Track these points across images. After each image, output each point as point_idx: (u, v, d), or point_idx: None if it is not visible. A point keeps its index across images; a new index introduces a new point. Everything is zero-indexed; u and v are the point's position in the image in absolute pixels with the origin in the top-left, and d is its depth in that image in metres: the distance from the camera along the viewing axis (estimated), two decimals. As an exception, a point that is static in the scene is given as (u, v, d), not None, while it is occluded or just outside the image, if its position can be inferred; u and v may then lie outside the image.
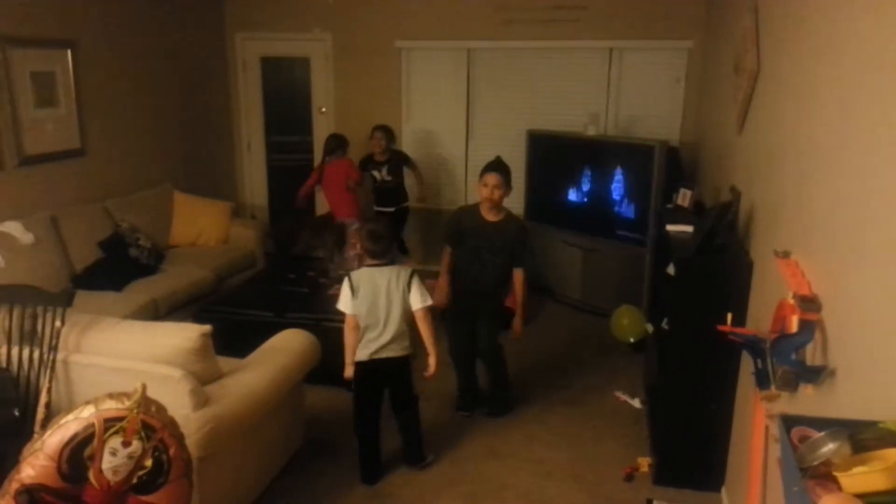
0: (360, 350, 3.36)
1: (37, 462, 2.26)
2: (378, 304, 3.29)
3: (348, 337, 3.36)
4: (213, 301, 4.75)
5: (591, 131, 5.73)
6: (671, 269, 3.44)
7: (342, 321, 3.88)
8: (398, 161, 6.23)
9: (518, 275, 3.92)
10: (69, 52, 4.97)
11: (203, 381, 2.82)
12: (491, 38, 6.31)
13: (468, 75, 6.50)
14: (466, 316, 3.97)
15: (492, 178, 3.78)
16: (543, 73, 6.34)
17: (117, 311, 4.17)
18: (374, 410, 3.46)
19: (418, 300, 3.33)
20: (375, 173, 6.20)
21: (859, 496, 1.15)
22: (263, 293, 4.83)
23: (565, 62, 6.27)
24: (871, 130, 1.87)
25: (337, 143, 5.98)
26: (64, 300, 2.85)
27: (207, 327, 2.87)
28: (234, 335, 3.58)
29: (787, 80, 2.83)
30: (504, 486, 3.42)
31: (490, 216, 3.85)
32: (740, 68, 3.63)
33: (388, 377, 3.44)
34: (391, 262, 3.40)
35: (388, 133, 6.12)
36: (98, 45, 5.26)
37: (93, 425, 2.30)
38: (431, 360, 3.44)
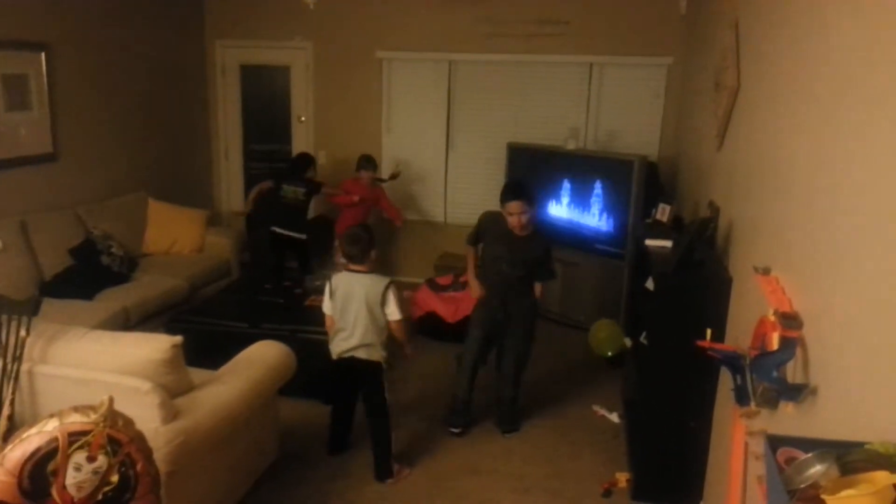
0: (332, 348, 3.50)
1: (-4, 477, 2.17)
2: (349, 308, 3.37)
3: (329, 335, 3.51)
4: (185, 311, 4.66)
5: (571, 145, 5.74)
6: (650, 284, 3.43)
7: (319, 332, 3.86)
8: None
9: (536, 286, 3.93)
10: (43, 55, 4.87)
11: (173, 393, 2.75)
12: (473, 51, 6.31)
13: (449, 87, 6.48)
14: (488, 324, 3.91)
15: (515, 207, 3.65)
16: (525, 86, 6.34)
17: (87, 319, 4.07)
18: (347, 409, 3.62)
19: (392, 312, 3.38)
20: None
21: (847, 520, 1.12)
22: (238, 303, 4.74)
23: (547, 76, 6.28)
24: (850, 146, 1.87)
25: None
26: (29, 308, 2.76)
27: (178, 338, 2.79)
28: (207, 346, 3.50)
29: (767, 97, 2.84)
30: (482, 503, 3.37)
31: (517, 231, 3.74)
32: (720, 85, 3.64)
33: (359, 378, 3.52)
34: (372, 271, 3.41)
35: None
36: (73, 49, 5.16)
37: (56, 439, 2.22)
38: (406, 349, 3.64)
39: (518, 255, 3.77)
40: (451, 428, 3.98)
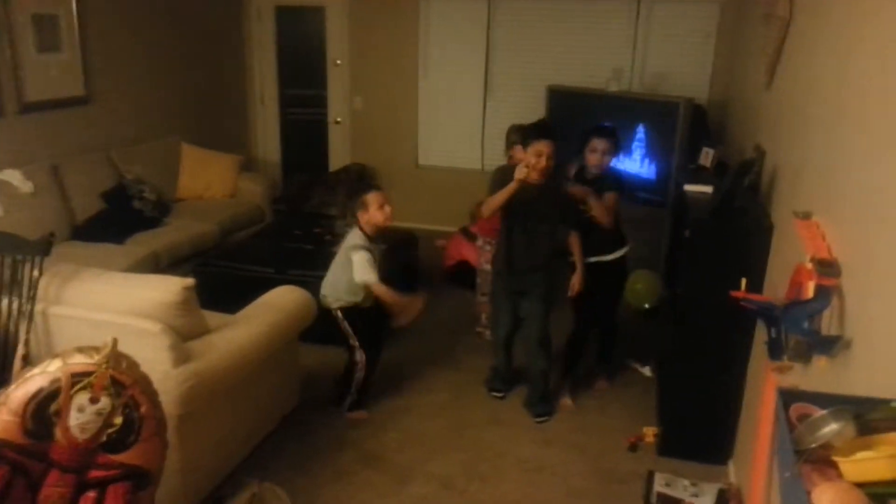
0: None
1: (0, 417, 2.17)
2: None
3: None
4: (213, 255, 4.64)
5: (614, 87, 5.47)
6: (687, 233, 3.24)
7: None
8: None
9: (573, 238, 3.55)
10: (73, -4, 4.82)
11: (185, 336, 2.71)
12: (513, -12, 6.03)
13: (488, 28, 6.23)
14: (512, 294, 3.61)
15: (546, 147, 3.29)
16: (567, 26, 6.04)
17: (117, 263, 4.08)
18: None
19: (358, 274, 3.32)
20: None
21: (861, 485, 0.98)
22: (267, 249, 4.70)
23: (590, 14, 5.97)
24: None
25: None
26: (41, 248, 2.74)
27: (190, 281, 2.74)
28: (233, 291, 3.46)
29: (821, 29, 2.59)
30: (501, 454, 3.29)
31: (532, 181, 3.38)
32: (771, 16, 3.36)
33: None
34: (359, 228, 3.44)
35: None
36: (103, -8, 5.10)
37: (59, 380, 2.19)
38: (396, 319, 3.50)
39: (536, 206, 3.42)
40: (493, 392, 3.80)
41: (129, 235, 4.60)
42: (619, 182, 3.71)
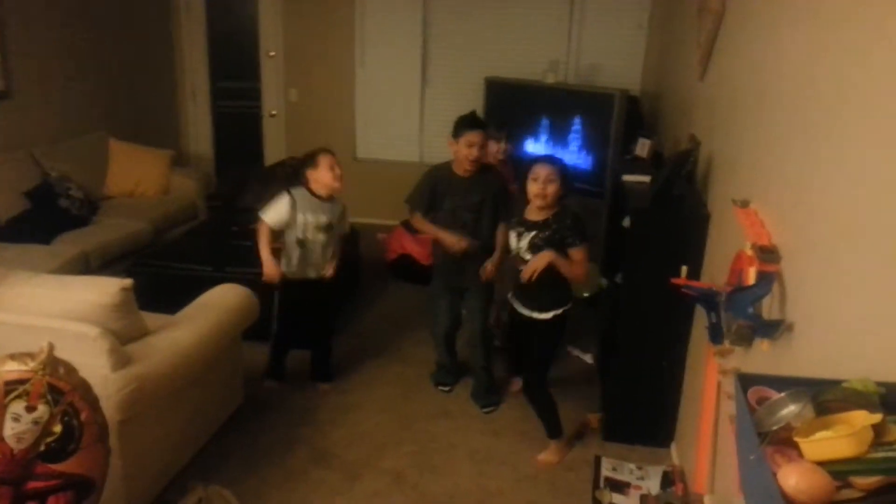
0: None
1: (-72, 429, 2.05)
2: None
3: None
4: (148, 254, 4.48)
5: (551, 79, 5.53)
6: (626, 222, 3.31)
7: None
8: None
9: (500, 229, 3.44)
10: (-12, -14, 4.56)
11: (124, 339, 2.61)
12: (448, -22, 6.02)
13: (424, 19, 6.20)
14: (450, 291, 3.60)
15: (477, 137, 3.33)
16: (503, 18, 6.07)
17: (44, 264, 3.91)
18: None
19: None
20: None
21: (822, 463, 1.02)
22: (203, 246, 4.57)
23: (525, 7, 6.01)
24: (837, 73, 1.72)
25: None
26: (-35, 251, 2.59)
27: (128, 281, 2.64)
28: (171, 291, 3.35)
29: (753, 20, 2.68)
30: (452, 445, 3.30)
31: (466, 173, 3.43)
32: (704, 9, 3.45)
33: None
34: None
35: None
36: (21, -21, 4.85)
37: (-9, 388, 2.09)
38: None
39: (470, 197, 3.42)
40: (440, 386, 3.80)
41: (55, 235, 4.40)
42: (582, 229, 3.02)
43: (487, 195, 3.44)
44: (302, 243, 3.48)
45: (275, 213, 3.43)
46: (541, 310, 3.09)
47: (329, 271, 3.56)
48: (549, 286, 3.00)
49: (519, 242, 3.05)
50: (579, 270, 2.98)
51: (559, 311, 3.08)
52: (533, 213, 3.00)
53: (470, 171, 3.42)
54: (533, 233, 2.97)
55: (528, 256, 2.99)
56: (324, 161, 3.43)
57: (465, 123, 3.41)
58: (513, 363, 3.80)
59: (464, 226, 3.44)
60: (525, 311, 3.13)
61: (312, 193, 3.46)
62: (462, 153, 3.36)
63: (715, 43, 3.28)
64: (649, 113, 5.51)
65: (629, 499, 2.88)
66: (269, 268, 3.45)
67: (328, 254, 3.56)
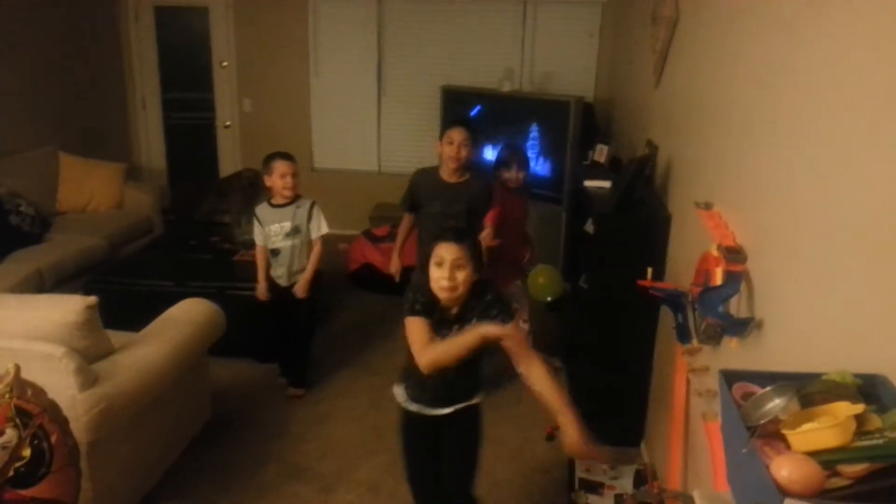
0: None
1: None
2: None
3: None
4: (105, 271, 4.38)
5: (507, 87, 5.60)
6: (590, 227, 3.37)
7: (248, 288, 3.73)
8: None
9: (484, 232, 3.47)
10: (-73, -4, 4.41)
11: (90, 358, 2.56)
12: (401, -12, 6.05)
13: (379, 29, 6.21)
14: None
15: (458, 134, 3.39)
16: (458, 27, 6.12)
17: (-4, 284, 3.79)
18: None
19: None
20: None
21: (809, 454, 1.07)
22: (162, 261, 4.50)
23: (479, 16, 6.07)
24: (792, 74, 1.80)
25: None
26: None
27: (92, 299, 2.59)
28: (131, 307, 3.28)
29: (706, 29, 2.76)
30: (424, 453, 3.31)
31: (452, 178, 3.47)
32: (658, 17, 3.55)
33: None
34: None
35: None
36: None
37: (-44, 414, 2.02)
38: None
39: (455, 205, 3.43)
40: None
41: (7, 254, 4.28)
42: (507, 302, 2.49)
43: (472, 204, 3.48)
44: (275, 252, 3.58)
45: (256, 233, 3.62)
46: (454, 402, 2.42)
47: (300, 292, 3.58)
48: (466, 373, 2.38)
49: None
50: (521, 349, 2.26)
51: (477, 399, 2.49)
52: (446, 302, 2.25)
53: (456, 174, 3.47)
54: (457, 327, 2.26)
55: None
56: (276, 168, 3.51)
57: (450, 123, 3.54)
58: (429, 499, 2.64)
59: (432, 233, 3.41)
60: (432, 411, 2.43)
61: (271, 203, 3.56)
62: (444, 152, 3.43)
63: (669, 50, 3.38)
64: (604, 119, 5.63)
65: (604, 499, 2.92)
66: (259, 288, 3.65)
67: (305, 257, 3.61)
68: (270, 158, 3.54)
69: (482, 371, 2.48)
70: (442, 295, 2.23)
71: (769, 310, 1.87)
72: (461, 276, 2.21)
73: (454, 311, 2.29)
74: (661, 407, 3.03)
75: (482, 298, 2.29)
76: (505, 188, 3.77)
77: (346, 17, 6.24)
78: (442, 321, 2.28)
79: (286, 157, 3.56)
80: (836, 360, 1.37)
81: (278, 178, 3.50)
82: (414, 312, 2.24)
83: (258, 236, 3.60)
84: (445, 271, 2.20)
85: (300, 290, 3.57)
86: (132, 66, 6.61)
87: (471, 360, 2.27)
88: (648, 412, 3.30)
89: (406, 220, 3.71)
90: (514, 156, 3.81)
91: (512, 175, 3.74)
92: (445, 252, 2.22)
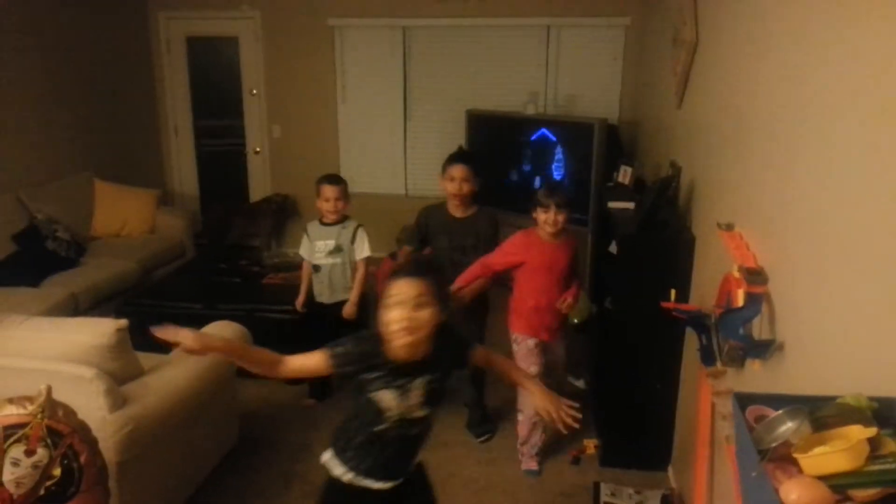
0: None
1: (-74, 477, 2.03)
2: None
3: None
4: (137, 294, 4.49)
5: (531, 110, 5.64)
6: (613, 248, 3.37)
7: (277, 311, 3.82)
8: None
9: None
10: (-29, 31, 4.60)
11: (120, 380, 2.62)
12: (427, 15, 6.14)
13: (405, 54, 6.31)
14: None
15: (458, 171, 3.37)
16: (482, 51, 6.21)
17: (33, 307, 3.90)
18: None
19: None
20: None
21: (821, 478, 1.06)
22: (192, 284, 4.59)
23: (503, 40, 6.15)
24: (812, 97, 1.80)
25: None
26: (-41, 297, 2.59)
27: (123, 322, 2.66)
28: (160, 329, 3.35)
29: (726, 51, 2.77)
30: (449, 475, 3.30)
31: (458, 212, 3.47)
32: (678, 40, 3.57)
33: None
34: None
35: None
36: (4, 25, 4.88)
37: (-10, 434, 2.08)
38: None
39: (467, 239, 3.42)
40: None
41: (44, 278, 4.40)
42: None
43: (480, 239, 3.45)
44: (316, 268, 3.73)
45: (301, 247, 3.82)
46: (406, 470, 2.15)
47: (348, 314, 3.71)
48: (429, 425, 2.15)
49: (405, 399, 1.99)
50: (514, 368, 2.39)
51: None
52: (404, 349, 1.94)
53: (461, 209, 3.46)
54: (421, 378, 2.00)
55: (423, 412, 2.05)
56: (321, 192, 3.71)
57: (449, 158, 3.52)
58: None
59: (455, 266, 3.36)
60: (380, 484, 2.10)
61: (322, 221, 3.78)
62: (447, 188, 3.44)
63: (690, 72, 3.39)
64: (628, 141, 5.63)
65: (628, 523, 2.89)
66: (298, 300, 3.83)
67: (346, 277, 3.74)
68: (318, 182, 3.72)
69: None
70: (400, 340, 1.91)
71: (790, 332, 1.86)
72: (423, 315, 1.91)
73: (417, 358, 1.97)
74: (687, 430, 2.99)
75: (450, 341, 2.05)
76: (535, 237, 3.23)
77: (373, 44, 6.36)
78: (398, 372, 1.96)
79: (332, 180, 3.74)
80: (857, 384, 1.36)
81: (323, 202, 3.70)
82: (334, 355, 1.96)
83: (305, 251, 3.78)
84: (405, 310, 1.89)
85: (348, 311, 3.71)
86: (165, 94, 6.79)
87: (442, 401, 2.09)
88: (675, 435, 3.27)
89: (405, 254, 3.60)
90: (551, 194, 3.15)
91: (550, 216, 3.12)
92: (405, 288, 1.91)
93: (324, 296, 3.78)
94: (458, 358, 2.16)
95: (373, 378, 1.97)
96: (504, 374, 2.32)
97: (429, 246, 3.58)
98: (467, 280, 3.28)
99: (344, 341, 2.01)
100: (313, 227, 3.79)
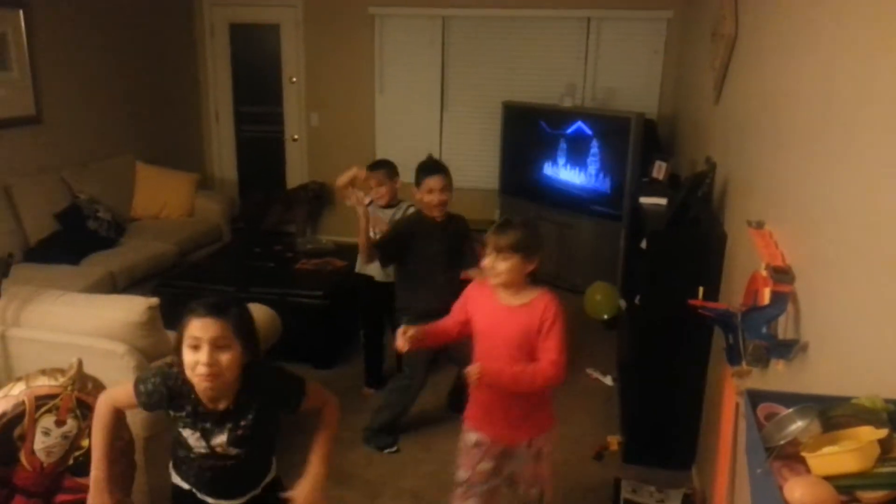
0: None
1: (-38, 442, 2.12)
2: None
3: None
4: (173, 275, 4.58)
5: (568, 103, 5.60)
6: (644, 244, 3.33)
7: (308, 296, 3.94)
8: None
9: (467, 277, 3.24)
10: (21, 13, 4.72)
11: (151, 356, 2.68)
12: (467, 5, 6.13)
13: (443, 44, 6.31)
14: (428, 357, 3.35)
15: (436, 182, 3.26)
16: (521, 42, 6.17)
17: (73, 284, 4.00)
18: None
19: None
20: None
21: (829, 478, 1.04)
22: (227, 267, 4.66)
23: (542, 32, 6.10)
24: (849, 97, 1.75)
25: None
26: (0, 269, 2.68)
27: (154, 300, 2.72)
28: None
29: (765, 46, 2.72)
30: (470, 465, 3.32)
31: (439, 218, 3.35)
32: (717, 34, 3.50)
33: None
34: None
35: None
36: (52, 7, 5.00)
37: (23, 403, 2.17)
38: None
39: (449, 242, 3.35)
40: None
41: (84, 256, 4.52)
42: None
43: (453, 243, 3.37)
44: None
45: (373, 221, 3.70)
46: (252, 488, 2.12)
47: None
48: (260, 454, 2.15)
49: (209, 441, 1.93)
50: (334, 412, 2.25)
51: (272, 475, 2.23)
52: (207, 394, 1.86)
53: (441, 215, 3.34)
54: (226, 425, 1.91)
55: (236, 451, 1.97)
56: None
57: (424, 169, 3.36)
58: None
59: (444, 274, 3.33)
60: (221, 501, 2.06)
61: (379, 204, 3.93)
62: (424, 200, 3.30)
63: (728, 67, 3.32)
64: (667, 136, 5.55)
65: (648, 521, 2.87)
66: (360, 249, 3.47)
67: None
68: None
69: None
70: (201, 385, 1.79)
71: (815, 332, 1.82)
72: (225, 358, 1.76)
73: (221, 405, 1.86)
74: (712, 430, 2.96)
75: (261, 385, 1.91)
76: (487, 290, 2.49)
77: (412, 33, 6.37)
78: (201, 416, 1.86)
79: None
80: (880, 386, 1.32)
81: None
82: (138, 393, 1.87)
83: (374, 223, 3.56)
84: (204, 355, 1.74)
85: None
86: (207, 80, 6.90)
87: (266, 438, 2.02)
88: (700, 435, 3.23)
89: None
90: (497, 232, 2.43)
91: (489, 262, 2.43)
92: (201, 330, 1.75)
93: (379, 275, 3.84)
94: (280, 402, 2.02)
95: (177, 416, 1.90)
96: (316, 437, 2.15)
97: (410, 253, 3.38)
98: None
99: (153, 375, 1.91)
100: (375, 210, 3.83)
